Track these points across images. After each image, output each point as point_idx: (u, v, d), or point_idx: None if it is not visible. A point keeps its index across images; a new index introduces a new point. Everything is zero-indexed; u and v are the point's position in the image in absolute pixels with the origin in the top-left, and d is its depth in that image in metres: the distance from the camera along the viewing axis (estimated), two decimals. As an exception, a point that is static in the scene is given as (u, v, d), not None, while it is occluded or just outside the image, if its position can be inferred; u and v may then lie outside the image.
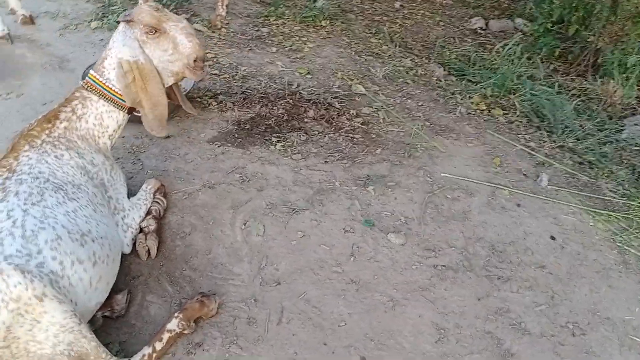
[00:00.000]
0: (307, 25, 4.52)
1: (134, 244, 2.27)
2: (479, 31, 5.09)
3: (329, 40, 4.31)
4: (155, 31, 2.17)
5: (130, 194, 2.41)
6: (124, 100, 2.22)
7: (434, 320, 2.10)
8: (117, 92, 2.21)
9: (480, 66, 4.20)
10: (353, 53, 4.16)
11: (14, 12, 4.04)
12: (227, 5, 4.27)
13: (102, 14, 4.22)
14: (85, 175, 2.11)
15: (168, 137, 2.98)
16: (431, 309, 2.15)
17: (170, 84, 2.34)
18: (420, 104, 3.59)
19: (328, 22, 4.61)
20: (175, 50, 2.21)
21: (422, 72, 4.01)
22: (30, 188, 1.87)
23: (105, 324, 1.98)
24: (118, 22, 2.24)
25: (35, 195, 1.85)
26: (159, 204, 2.43)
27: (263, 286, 2.19)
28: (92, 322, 1.93)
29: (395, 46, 4.40)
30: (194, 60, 2.25)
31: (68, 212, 1.88)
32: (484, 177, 2.92)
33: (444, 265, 2.34)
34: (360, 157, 2.97)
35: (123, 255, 2.20)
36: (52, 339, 1.59)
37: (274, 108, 3.31)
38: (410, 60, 4.18)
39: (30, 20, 4.06)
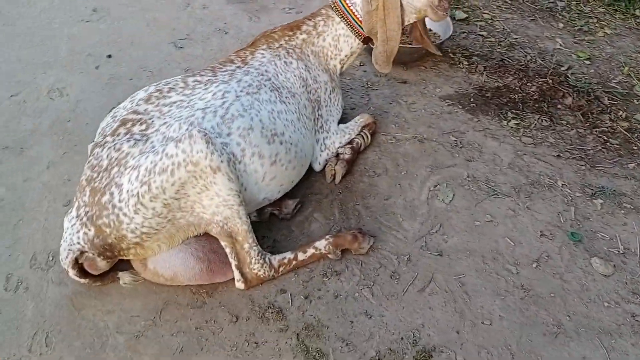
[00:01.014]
0: (616, 10, 3.83)
1: (326, 166, 2.34)
2: None
3: (633, 32, 3.59)
4: None
5: (345, 121, 2.48)
6: (362, 28, 2.25)
7: (599, 372, 1.68)
8: (358, 19, 2.24)
9: None
10: (659, 52, 3.39)
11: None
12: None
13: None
14: (303, 87, 2.23)
15: (404, 82, 2.94)
16: (602, 357, 1.71)
17: (411, 21, 2.28)
18: None
19: (646, 12, 3.84)
20: None
21: None
22: (252, 80, 2.06)
23: (270, 219, 2.14)
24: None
25: (253, 87, 2.04)
26: (363, 138, 2.45)
27: (423, 250, 2.05)
28: (260, 213, 2.10)
29: None
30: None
31: (273, 110, 2.03)
32: None
33: (646, 319, 1.82)
34: (604, 164, 2.47)
35: (311, 171, 2.31)
36: (214, 208, 1.76)
37: (528, 84, 2.96)
38: None
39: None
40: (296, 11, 3.56)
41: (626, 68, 3.16)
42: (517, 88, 2.93)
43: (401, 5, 2.18)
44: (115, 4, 3.57)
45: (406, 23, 2.26)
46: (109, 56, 3.06)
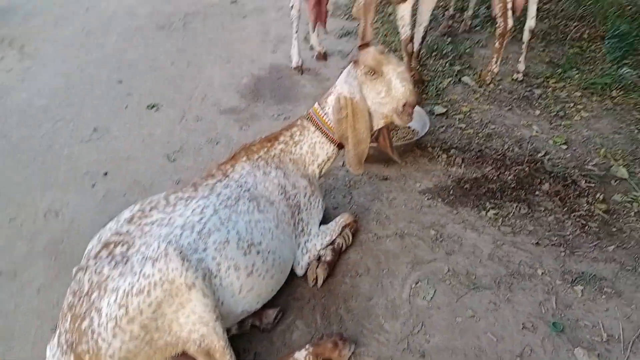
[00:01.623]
0: (592, 93, 3.98)
1: (307, 269, 2.39)
2: None
3: (610, 113, 3.72)
4: (374, 73, 2.28)
5: (327, 221, 2.55)
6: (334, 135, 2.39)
7: None
8: (331, 127, 2.39)
9: None
10: (636, 131, 3.49)
11: (313, 47, 4.75)
12: (500, 62, 4.12)
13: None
14: (282, 194, 2.34)
15: (385, 179, 3.05)
16: None
17: (380, 126, 2.42)
18: None
19: (622, 92, 3.95)
20: (387, 93, 2.28)
21: None
22: (231, 192, 2.18)
23: (251, 331, 2.16)
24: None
25: (232, 199, 2.15)
26: (344, 239, 2.52)
27: (405, 352, 2.05)
28: (240, 325, 2.13)
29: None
30: (403, 105, 2.27)
31: (250, 220, 2.12)
32: None
33: (633, 415, 1.77)
34: (583, 249, 2.49)
35: (293, 276, 2.36)
36: (190, 326, 1.80)
37: (505, 173, 3.05)
38: None
39: (323, 56, 4.71)
40: (284, 117, 3.77)
41: (603, 150, 3.25)
42: (494, 177, 3.02)
43: (369, 112, 2.33)
44: (115, 123, 3.81)
45: (375, 127, 2.41)
46: (105, 174, 3.23)
